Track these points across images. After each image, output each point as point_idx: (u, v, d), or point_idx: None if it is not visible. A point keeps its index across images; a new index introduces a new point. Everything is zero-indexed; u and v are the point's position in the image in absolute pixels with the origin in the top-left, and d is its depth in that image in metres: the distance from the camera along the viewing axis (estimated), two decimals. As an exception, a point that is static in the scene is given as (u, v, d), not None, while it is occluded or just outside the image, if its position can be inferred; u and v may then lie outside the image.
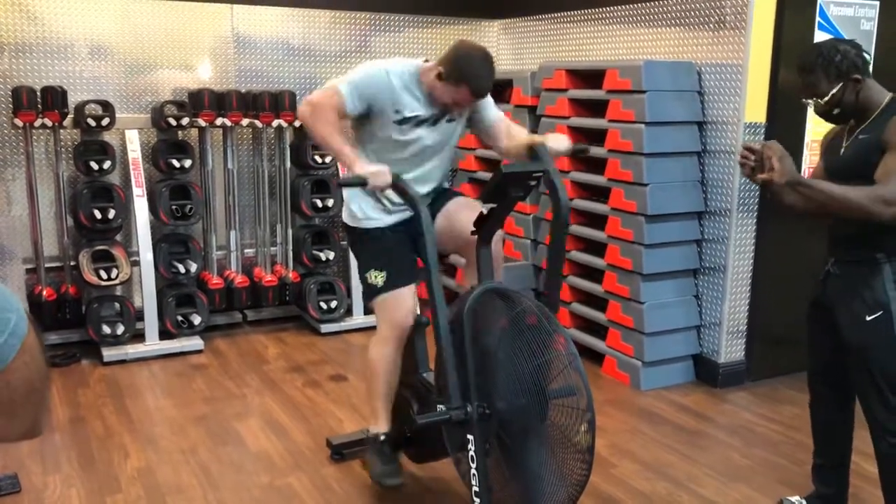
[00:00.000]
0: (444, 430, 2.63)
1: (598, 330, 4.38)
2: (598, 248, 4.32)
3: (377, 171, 2.58)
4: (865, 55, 2.42)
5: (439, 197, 2.99)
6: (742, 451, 3.43)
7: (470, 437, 2.54)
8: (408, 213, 2.92)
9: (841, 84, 2.38)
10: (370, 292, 2.92)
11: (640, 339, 4.07)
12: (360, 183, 2.57)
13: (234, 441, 3.45)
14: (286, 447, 3.39)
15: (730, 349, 4.13)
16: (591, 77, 4.35)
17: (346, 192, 3.05)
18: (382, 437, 2.99)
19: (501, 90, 5.02)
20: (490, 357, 2.56)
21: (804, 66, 2.43)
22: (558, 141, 2.77)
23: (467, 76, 2.64)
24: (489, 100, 3.00)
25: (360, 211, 2.95)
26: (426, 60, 2.81)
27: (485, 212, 2.54)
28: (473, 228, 2.64)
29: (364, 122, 2.83)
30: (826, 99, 2.40)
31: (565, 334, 2.44)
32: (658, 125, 3.97)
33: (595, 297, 4.38)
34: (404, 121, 2.80)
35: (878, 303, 2.38)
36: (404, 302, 2.87)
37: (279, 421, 3.64)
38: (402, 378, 3.06)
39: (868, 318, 2.38)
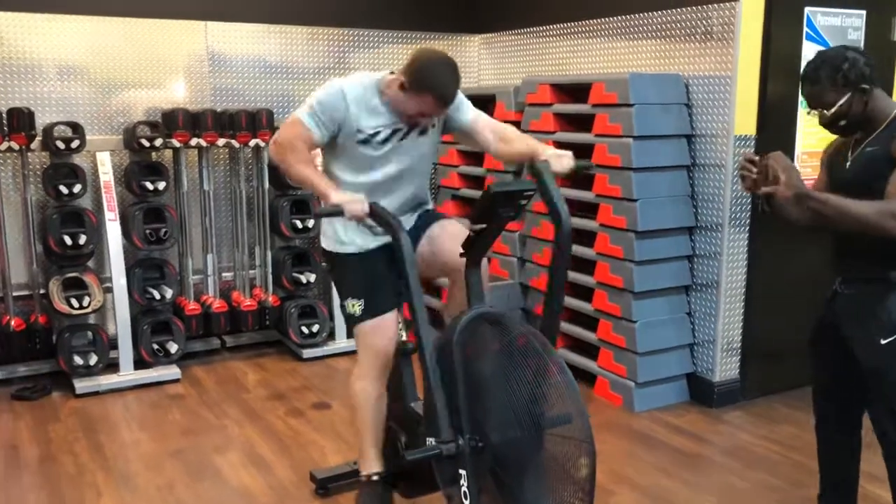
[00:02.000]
0: (434, 465, 2.50)
1: (589, 350, 4.26)
2: (587, 266, 4.20)
3: (352, 200, 2.50)
4: (873, 64, 2.31)
5: (422, 219, 2.86)
6: (741, 475, 3.32)
7: (462, 471, 2.41)
8: (390, 238, 2.79)
9: (848, 94, 2.27)
10: (349, 321, 2.81)
11: (633, 358, 3.96)
12: (337, 212, 2.49)
13: (214, 476, 3.29)
14: (268, 482, 3.23)
15: (724, 367, 4.02)
16: (575, 91, 4.26)
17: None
18: (375, 477, 2.86)
19: (484, 106, 4.90)
20: (482, 386, 2.42)
21: (808, 75, 2.33)
22: (561, 161, 2.63)
23: (430, 84, 2.51)
24: (462, 102, 2.84)
25: (338, 235, 2.81)
26: (392, 72, 2.68)
27: (473, 233, 2.42)
28: (462, 251, 2.51)
29: (332, 145, 2.71)
30: (833, 110, 2.29)
31: (561, 362, 2.31)
32: (646, 139, 3.87)
33: (585, 316, 4.27)
34: (367, 140, 2.66)
35: (894, 325, 2.27)
36: (384, 329, 2.74)
37: (260, 454, 3.48)
38: (389, 408, 2.93)
39: (883, 342, 2.27)
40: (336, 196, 2.52)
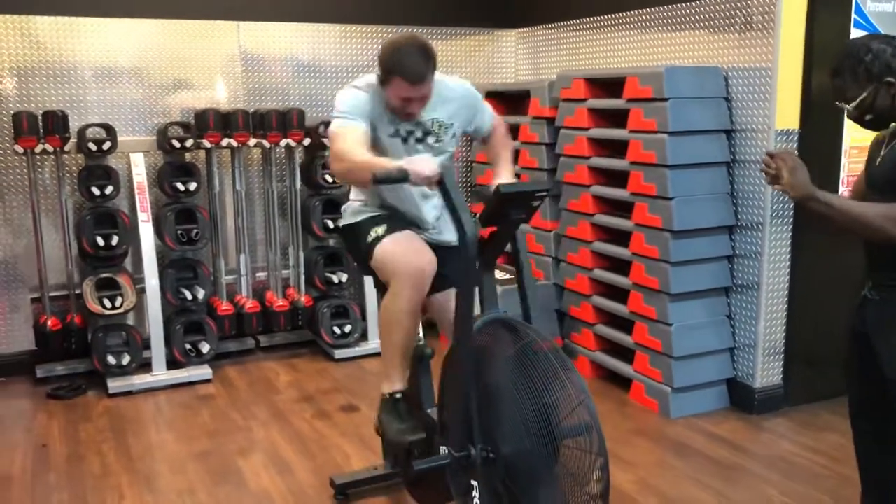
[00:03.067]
0: (448, 474, 2.42)
1: (625, 353, 4.13)
2: (622, 267, 4.07)
3: (420, 160, 2.28)
4: None
5: (450, 264, 2.66)
6: (781, 487, 3.15)
7: (474, 482, 2.33)
8: (436, 237, 2.73)
9: (872, 87, 2.11)
10: (371, 247, 2.58)
11: (669, 363, 3.81)
12: (401, 178, 2.24)
13: (235, 480, 3.26)
14: (289, 486, 3.19)
15: (766, 372, 3.84)
16: (611, 86, 4.12)
17: (353, 197, 2.85)
18: (398, 395, 2.72)
19: (519, 101, 4.81)
20: (494, 395, 2.33)
21: (833, 67, 2.18)
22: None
23: (394, 67, 2.47)
24: (482, 105, 2.84)
25: (364, 207, 2.74)
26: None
27: (485, 235, 2.33)
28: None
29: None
30: (854, 104, 2.13)
31: (575, 371, 2.21)
32: (682, 134, 3.72)
33: (621, 318, 4.13)
34: (396, 133, 2.62)
35: None
36: (411, 242, 2.57)
37: (284, 457, 3.45)
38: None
39: None
40: (403, 161, 2.33)
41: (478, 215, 2.30)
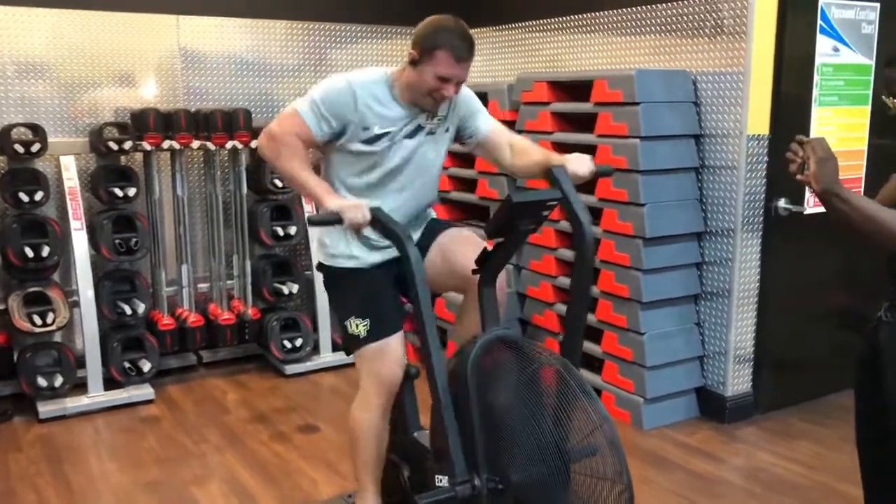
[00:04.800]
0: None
1: (593, 363, 4.02)
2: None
3: (352, 206, 2.21)
4: None
5: (429, 229, 2.60)
6: (764, 499, 3.09)
7: (479, 515, 2.15)
8: (395, 252, 2.53)
9: None
10: (351, 343, 2.52)
11: (641, 373, 3.72)
12: (334, 220, 2.20)
13: (193, 513, 2.99)
14: (254, 518, 2.95)
15: (736, 380, 3.79)
16: (573, 89, 4.01)
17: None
18: None
19: (475, 104, 4.65)
20: (500, 418, 2.16)
21: (891, 56, 2.02)
22: (581, 163, 2.40)
23: (440, 39, 2.31)
24: (479, 107, 2.66)
25: (336, 247, 2.55)
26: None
27: (489, 248, 2.16)
28: (475, 267, 2.25)
29: (332, 143, 2.45)
30: None
31: (590, 390, 2.06)
32: (653, 139, 3.63)
33: (589, 327, 4.01)
34: (375, 139, 2.43)
35: None
36: (391, 353, 2.46)
37: (244, 484, 3.19)
38: (389, 439, 2.66)
39: None
40: (333, 202, 2.24)
41: (485, 226, 2.12)
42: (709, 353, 3.84)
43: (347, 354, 2.62)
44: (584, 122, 3.91)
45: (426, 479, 2.43)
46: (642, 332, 3.69)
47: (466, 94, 2.62)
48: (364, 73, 2.45)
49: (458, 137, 2.65)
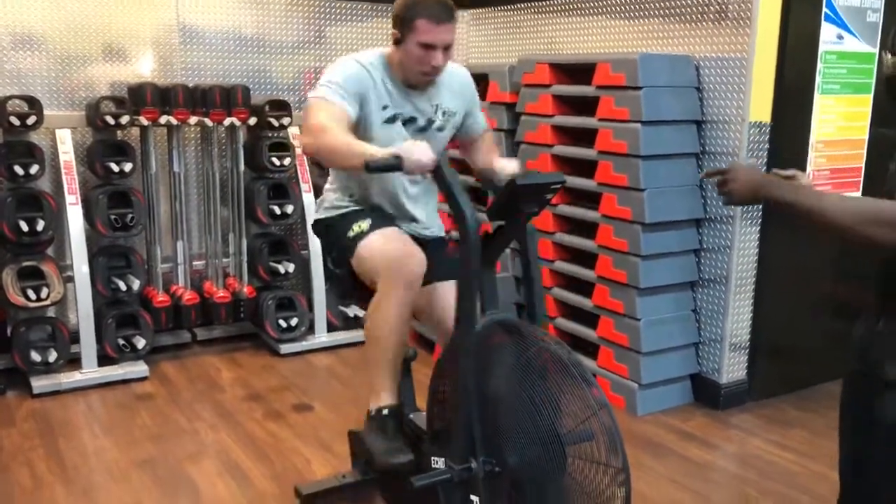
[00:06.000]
0: (440, 490, 2.23)
1: (588, 348, 4.01)
2: (585, 259, 3.95)
3: (415, 146, 2.06)
4: None
5: (434, 251, 2.53)
6: (759, 487, 3.10)
7: (475, 498, 2.15)
8: (422, 231, 2.53)
9: None
10: (353, 242, 2.36)
11: (637, 359, 3.72)
12: (395, 165, 2.03)
13: (187, 489, 2.99)
14: (247, 496, 2.94)
15: (731, 367, 3.80)
16: (576, 72, 3.98)
17: (329, 188, 2.63)
18: (386, 411, 2.45)
19: (476, 86, 4.60)
20: (497, 402, 2.16)
21: None
22: (509, 165, 2.40)
23: (416, 10, 2.31)
24: (478, 104, 2.71)
25: (342, 200, 2.54)
26: None
27: (491, 230, 2.14)
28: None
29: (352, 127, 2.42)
30: None
31: (590, 375, 2.05)
32: (655, 124, 3.61)
33: (583, 312, 4.01)
34: (392, 119, 2.42)
35: None
36: (402, 237, 2.36)
37: (238, 463, 3.19)
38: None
39: None
40: (396, 147, 2.10)
41: (487, 209, 2.10)
42: (704, 340, 3.84)
43: (346, 267, 2.41)
44: (586, 106, 3.88)
45: (423, 462, 2.42)
46: (639, 317, 3.69)
47: (472, 86, 2.63)
48: (366, 55, 2.44)
49: (461, 136, 2.65)
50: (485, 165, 2.52)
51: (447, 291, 2.43)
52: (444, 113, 2.50)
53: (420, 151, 2.08)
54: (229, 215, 4.47)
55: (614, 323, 3.81)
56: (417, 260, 2.31)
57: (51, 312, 4.03)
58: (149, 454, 3.25)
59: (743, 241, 3.68)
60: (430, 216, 2.64)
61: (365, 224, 2.39)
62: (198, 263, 4.52)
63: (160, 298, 4.23)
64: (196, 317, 4.33)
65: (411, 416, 2.60)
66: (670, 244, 3.73)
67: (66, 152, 3.95)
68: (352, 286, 2.51)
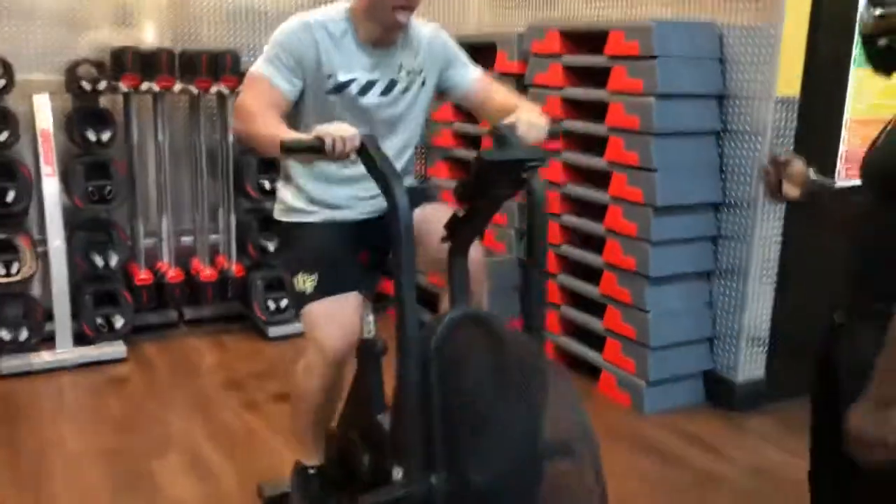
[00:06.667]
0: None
1: (593, 339, 3.72)
2: (593, 243, 3.65)
3: (337, 130, 1.82)
4: None
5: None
6: (768, 499, 2.80)
7: (434, 518, 1.88)
8: (366, 208, 2.27)
9: None
10: (298, 302, 2.24)
11: (644, 353, 3.42)
12: (314, 147, 1.81)
13: (146, 487, 2.77)
14: (208, 495, 2.72)
15: (748, 365, 3.49)
16: (589, 40, 3.65)
17: (289, 174, 2.37)
18: (312, 471, 2.37)
19: (484, 55, 4.30)
20: (463, 408, 1.89)
21: None
22: (531, 129, 2.00)
23: None
24: (459, 55, 2.35)
25: (297, 201, 2.30)
26: None
27: (460, 213, 1.85)
28: (444, 234, 1.95)
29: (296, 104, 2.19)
30: (882, 12, 1.55)
31: (569, 382, 1.78)
32: (671, 98, 3.29)
33: (591, 301, 3.72)
34: (339, 88, 2.15)
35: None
36: (338, 315, 2.16)
37: (205, 458, 2.96)
38: (351, 416, 2.41)
39: None
40: (316, 129, 1.86)
41: (454, 187, 1.81)
42: (719, 335, 3.53)
43: (297, 314, 2.31)
44: (599, 77, 3.55)
45: (386, 468, 2.16)
46: (647, 309, 3.39)
47: (443, 41, 2.32)
48: (324, 11, 2.17)
49: (441, 91, 2.35)
50: (495, 109, 2.23)
51: (426, 217, 2.19)
52: (407, 72, 2.21)
53: (340, 129, 1.83)
54: (217, 189, 4.23)
55: (622, 314, 3.51)
56: (347, 338, 2.16)
57: (26, 289, 3.82)
58: (111, 445, 3.04)
59: (765, 229, 3.35)
60: (404, 166, 2.35)
61: (309, 282, 2.18)
62: (185, 239, 4.29)
63: (142, 276, 4.01)
64: (181, 296, 4.11)
65: (379, 416, 2.34)
66: (684, 230, 3.42)
67: (44, 119, 3.72)
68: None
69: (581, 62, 3.66)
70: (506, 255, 4.11)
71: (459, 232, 1.90)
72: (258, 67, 2.13)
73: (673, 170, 3.32)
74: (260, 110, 2.05)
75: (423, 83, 2.29)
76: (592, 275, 3.67)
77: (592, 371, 3.70)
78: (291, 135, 1.93)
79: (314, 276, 2.18)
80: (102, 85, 3.70)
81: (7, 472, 2.81)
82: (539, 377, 1.84)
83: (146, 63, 3.84)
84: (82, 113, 3.79)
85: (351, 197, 2.29)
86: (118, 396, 3.45)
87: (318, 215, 2.29)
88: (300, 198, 2.31)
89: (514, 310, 3.95)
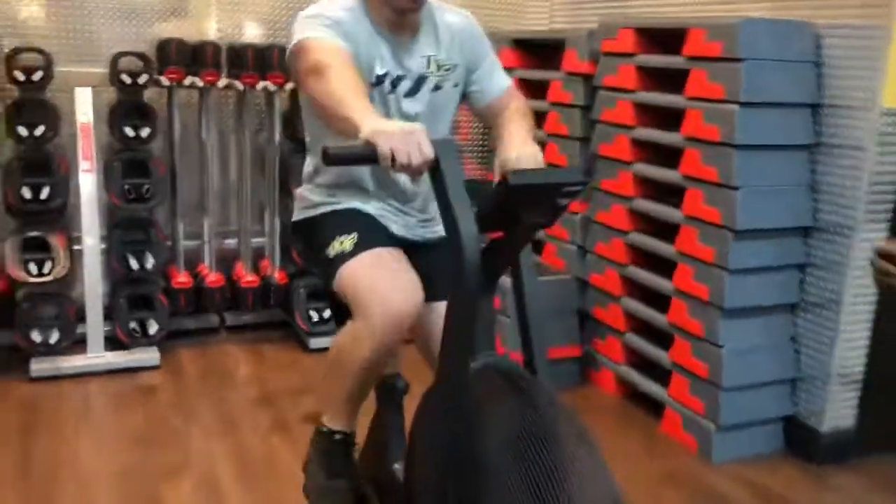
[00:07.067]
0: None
1: (658, 372, 3.35)
2: (663, 266, 3.27)
3: (402, 134, 1.45)
4: None
5: (439, 256, 1.93)
6: (857, 581, 2.40)
7: None
8: (416, 232, 2.00)
9: None
10: (333, 265, 1.84)
11: (716, 393, 3.03)
12: (368, 157, 1.45)
13: (152, 513, 2.56)
14: (217, 530, 2.48)
15: (836, 411, 3.06)
16: (667, 39, 3.27)
17: (307, 174, 2.12)
18: (337, 437, 2.00)
19: (551, 54, 3.97)
20: (482, 470, 1.58)
21: None
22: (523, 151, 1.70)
23: None
24: (489, 57, 2.03)
25: (321, 195, 2.03)
26: None
27: (485, 245, 1.54)
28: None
29: None
30: None
31: (595, 446, 1.46)
32: (757, 106, 2.89)
33: (657, 330, 3.35)
34: (379, 81, 1.88)
35: None
36: (393, 264, 1.82)
37: (219, 482, 2.73)
38: (366, 462, 2.14)
39: None
40: (373, 124, 1.49)
41: (474, 212, 1.49)
42: (803, 376, 3.11)
43: (331, 285, 1.86)
44: (676, 80, 3.18)
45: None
46: (721, 343, 3.00)
47: (475, 33, 2.01)
48: (336, 2, 1.87)
49: (473, 100, 2.05)
50: (498, 150, 1.86)
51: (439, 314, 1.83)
52: (438, 66, 1.91)
53: (405, 131, 1.46)
54: (264, 191, 4.02)
55: (692, 347, 3.13)
56: (411, 296, 1.75)
57: (63, 288, 3.65)
58: (125, 463, 2.84)
59: (862, 257, 2.92)
60: (428, 194, 2.06)
61: (348, 241, 1.85)
62: (229, 242, 4.10)
63: (181, 279, 3.83)
64: (220, 301, 3.91)
65: (396, 466, 2.05)
66: (767, 256, 3.01)
67: (84, 113, 3.56)
68: (347, 314, 1.93)
69: (656, 63, 3.29)
70: (564, 275, 3.76)
71: (485, 267, 1.59)
72: (313, 34, 1.76)
73: (757, 188, 2.92)
74: (340, 71, 1.65)
75: (455, 84, 1.99)
76: (661, 301, 3.30)
77: (656, 407, 3.33)
78: (372, 118, 1.52)
79: (353, 234, 1.84)
80: (143, 78, 3.52)
81: (11, 487, 2.64)
82: (567, 440, 1.53)
83: (192, 56, 3.65)
84: (124, 107, 3.63)
85: (394, 211, 2.01)
86: (143, 408, 3.27)
87: (346, 204, 1.99)
88: (322, 193, 2.03)
89: (574, 337, 3.66)
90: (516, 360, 1.65)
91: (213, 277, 3.88)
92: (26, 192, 3.40)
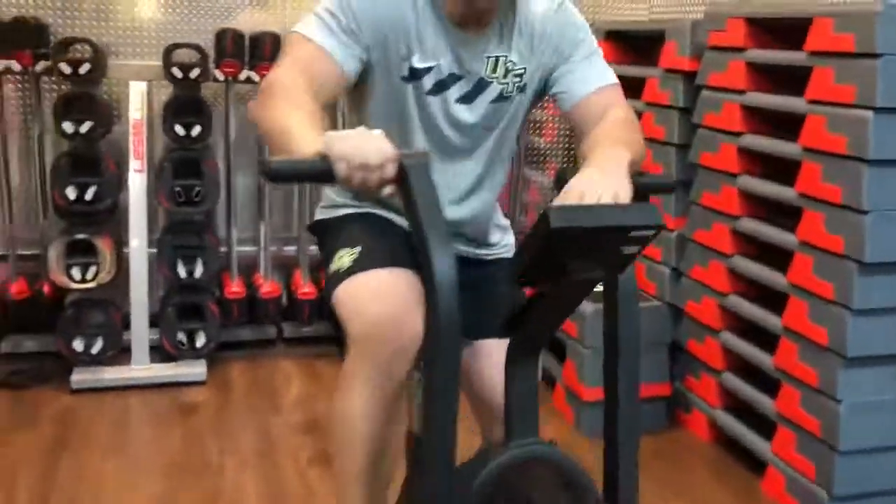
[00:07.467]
0: None
1: (759, 420, 2.87)
2: (772, 299, 2.78)
3: (359, 149, 1.19)
4: None
5: (487, 286, 1.61)
6: None
7: None
8: (464, 249, 1.68)
9: None
10: (332, 282, 1.54)
11: (831, 456, 2.53)
12: (320, 173, 1.21)
13: (168, 561, 2.28)
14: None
15: (983, 487, 2.52)
16: (786, 31, 2.78)
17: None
18: None
19: (649, 47, 3.51)
20: None
21: None
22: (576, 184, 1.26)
23: None
24: (581, 49, 1.62)
25: (345, 196, 1.71)
26: None
27: (524, 301, 1.16)
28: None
29: (356, 85, 1.56)
30: None
31: None
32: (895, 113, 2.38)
33: (762, 373, 2.86)
34: (417, 75, 1.52)
35: None
36: (394, 293, 1.45)
37: (247, 524, 2.44)
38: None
39: None
40: (319, 140, 1.23)
41: (511, 260, 1.11)
42: (943, 441, 2.57)
43: (329, 302, 1.57)
44: (794, 80, 2.68)
45: None
46: (839, 398, 2.50)
47: (563, 21, 1.61)
48: None
49: (538, 94, 1.65)
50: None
51: (498, 352, 1.45)
52: (505, 71, 1.53)
53: (367, 144, 1.19)
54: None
55: (802, 398, 2.63)
56: (409, 331, 1.37)
57: (111, 294, 3.45)
58: (150, 493, 2.58)
59: None
60: (482, 222, 1.69)
61: (347, 257, 1.51)
62: (288, 249, 3.83)
63: (234, 288, 3.58)
64: (275, 313, 3.64)
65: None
66: (901, 295, 2.49)
67: (137, 109, 3.35)
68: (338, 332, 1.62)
69: (772, 59, 2.80)
70: (654, 301, 3.30)
71: (522, 326, 1.20)
72: (304, 26, 1.50)
73: (891, 213, 2.41)
74: (285, 85, 1.40)
75: (523, 88, 1.60)
76: (766, 338, 2.81)
77: (755, 462, 2.85)
78: (302, 138, 1.26)
79: (356, 250, 1.54)
80: (194, 72, 3.27)
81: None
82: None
83: (250, 48, 3.38)
84: (177, 103, 3.39)
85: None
86: (180, 429, 3.02)
87: (369, 209, 1.68)
88: (347, 193, 1.70)
89: (663, 373, 3.21)
90: (567, 452, 1.25)
91: (268, 287, 3.61)
92: (71, 193, 3.20)
